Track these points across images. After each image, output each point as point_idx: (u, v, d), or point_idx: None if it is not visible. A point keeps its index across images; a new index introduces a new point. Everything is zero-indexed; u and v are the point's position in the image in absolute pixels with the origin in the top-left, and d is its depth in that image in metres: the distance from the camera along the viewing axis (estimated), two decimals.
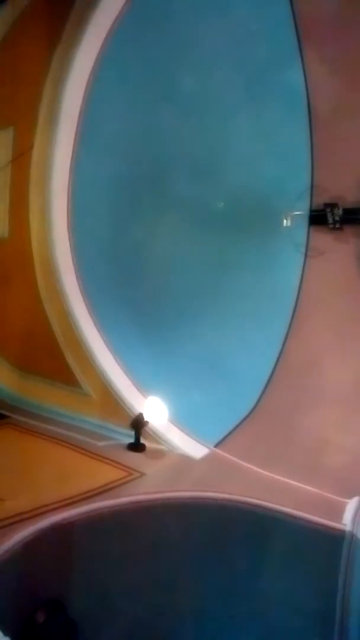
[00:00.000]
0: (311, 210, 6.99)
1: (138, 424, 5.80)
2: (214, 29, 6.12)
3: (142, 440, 5.81)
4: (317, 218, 6.92)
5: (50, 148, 6.14)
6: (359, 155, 6.60)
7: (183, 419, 6.01)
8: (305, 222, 7.04)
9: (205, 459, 5.82)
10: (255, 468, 5.56)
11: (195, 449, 5.88)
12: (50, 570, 3.94)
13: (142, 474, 5.21)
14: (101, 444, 5.77)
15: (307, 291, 7.02)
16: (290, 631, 4.34)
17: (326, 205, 6.80)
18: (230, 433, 6.27)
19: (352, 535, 4.37)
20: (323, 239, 6.98)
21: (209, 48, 6.24)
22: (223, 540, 4.58)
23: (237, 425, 6.39)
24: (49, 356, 6.52)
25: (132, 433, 5.82)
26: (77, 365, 6.34)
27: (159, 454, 5.78)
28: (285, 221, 6.97)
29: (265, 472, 5.46)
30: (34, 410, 6.59)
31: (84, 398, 6.37)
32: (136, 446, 5.77)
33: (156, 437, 5.90)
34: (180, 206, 6.91)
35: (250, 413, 6.57)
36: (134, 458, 5.57)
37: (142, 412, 5.86)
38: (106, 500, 4.47)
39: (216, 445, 6.03)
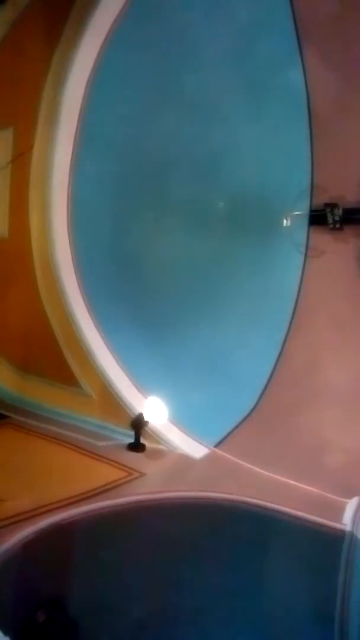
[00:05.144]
0: (311, 210, 6.98)
1: (138, 424, 5.80)
2: (214, 28, 6.12)
3: (142, 440, 5.81)
4: (317, 218, 6.90)
5: (50, 148, 6.14)
6: (359, 155, 6.60)
7: (183, 419, 6.00)
8: (305, 222, 7.03)
9: (205, 459, 5.82)
10: (255, 468, 5.55)
11: (195, 449, 5.88)
12: (50, 570, 3.93)
13: (142, 474, 5.21)
14: (101, 444, 5.77)
15: (307, 291, 7.01)
16: (290, 631, 4.34)
17: (326, 205, 6.79)
18: (230, 433, 6.27)
19: (352, 535, 4.36)
20: (323, 239, 6.97)
21: (208, 48, 6.23)
22: (223, 540, 4.58)
23: (237, 425, 6.38)
24: (49, 356, 6.52)
25: (132, 433, 5.82)
26: (77, 365, 6.34)
27: (159, 454, 5.78)
28: (285, 221, 6.96)
29: (265, 472, 5.46)
30: (34, 410, 6.59)
31: (84, 398, 6.37)
32: (136, 446, 5.77)
33: (156, 437, 5.90)
34: (181, 206, 6.91)
35: (250, 413, 6.57)
36: (134, 458, 5.57)
37: (142, 412, 5.86)
38: (106, 500, 4.47)
39: (216, 445, 6.03)
